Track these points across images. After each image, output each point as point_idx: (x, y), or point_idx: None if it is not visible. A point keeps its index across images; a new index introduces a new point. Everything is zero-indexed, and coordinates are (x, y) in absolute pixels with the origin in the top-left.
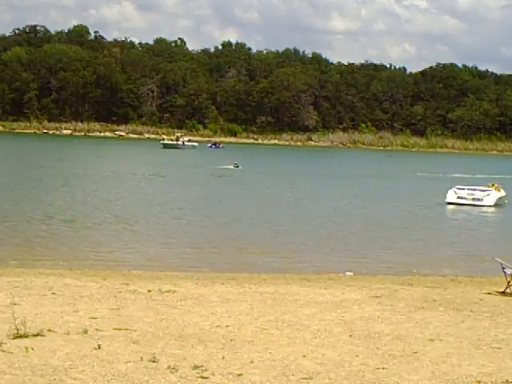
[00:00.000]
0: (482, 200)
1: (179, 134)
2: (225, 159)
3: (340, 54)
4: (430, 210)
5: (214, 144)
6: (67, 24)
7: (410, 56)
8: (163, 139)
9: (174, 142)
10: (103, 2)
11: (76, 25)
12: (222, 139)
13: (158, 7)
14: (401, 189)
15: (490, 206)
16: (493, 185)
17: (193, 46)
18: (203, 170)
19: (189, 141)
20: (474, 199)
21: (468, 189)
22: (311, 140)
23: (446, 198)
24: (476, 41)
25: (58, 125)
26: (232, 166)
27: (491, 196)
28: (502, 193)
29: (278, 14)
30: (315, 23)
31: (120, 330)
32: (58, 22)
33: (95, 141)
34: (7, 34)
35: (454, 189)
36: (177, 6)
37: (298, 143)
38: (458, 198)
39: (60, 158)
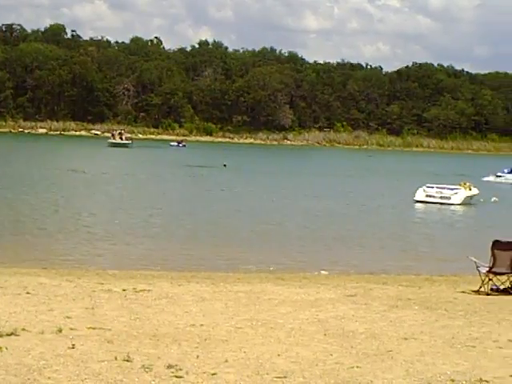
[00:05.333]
0: (449, 198)
1: (120, 131)
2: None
3: (314, 53)
4: (399, 209)
5: (179, 143)
6: (41, 23)
7: (383, 55)
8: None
9: (126, 142)
10: (75, 1)
11: (52, 24)
12: (198, 138)
13: (131, 6)
14: (373, 187)
15: (458, 204)
16: (464, 183)
17: (169, 45)
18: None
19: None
20: (441, 197)
21: (437, 187)
22: (287, 139)
23: (415, 196)
24: (449, 40)
25: (33, 124)
26: (221, 166)
27: (459, 194)
28: (474, 191)
29: (252, 13)
30: (288, 22)
31: (94, 329)
32: (31, 20)
33: (64, 140)
34: None
35: (424, 187)
36: (150, 5)
37: (274, 142)
38: (427, 196)
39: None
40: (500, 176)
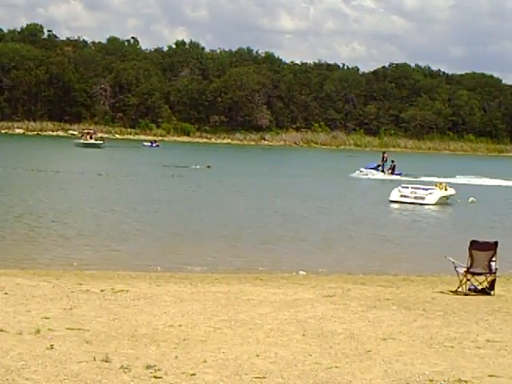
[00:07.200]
0: (424, 198)
1: (89, 131)
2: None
3: (291, 54)
4: (375, 209)
5: (152, 142)
6: (17, 23)
7: (359, 55)
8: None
9: (97, 142)
10: (51, 1)
11: (29, 23)
12: (176, 138)
13: (106, 6)
14: (349, 187)
15: (433, 204)
16: (440, 184)
17: (145, 45)
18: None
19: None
20: (416, 197)
21: (411, 187)
22: (264, 139)
23: (389, 196)
24: (425, 40)
25: (10, 124)
26: (204, 167)
27: (433, 195)
28: (450, 191)
29: (227, 13)
30: (264, 22)
31: (73, 329)
32: (6, 20)
33: (39, 140)
34: None
35: (399, 187)
36: (124, 5)
37: (252, 142)
38: (402, 196)
39: None
40: (362, 171)
